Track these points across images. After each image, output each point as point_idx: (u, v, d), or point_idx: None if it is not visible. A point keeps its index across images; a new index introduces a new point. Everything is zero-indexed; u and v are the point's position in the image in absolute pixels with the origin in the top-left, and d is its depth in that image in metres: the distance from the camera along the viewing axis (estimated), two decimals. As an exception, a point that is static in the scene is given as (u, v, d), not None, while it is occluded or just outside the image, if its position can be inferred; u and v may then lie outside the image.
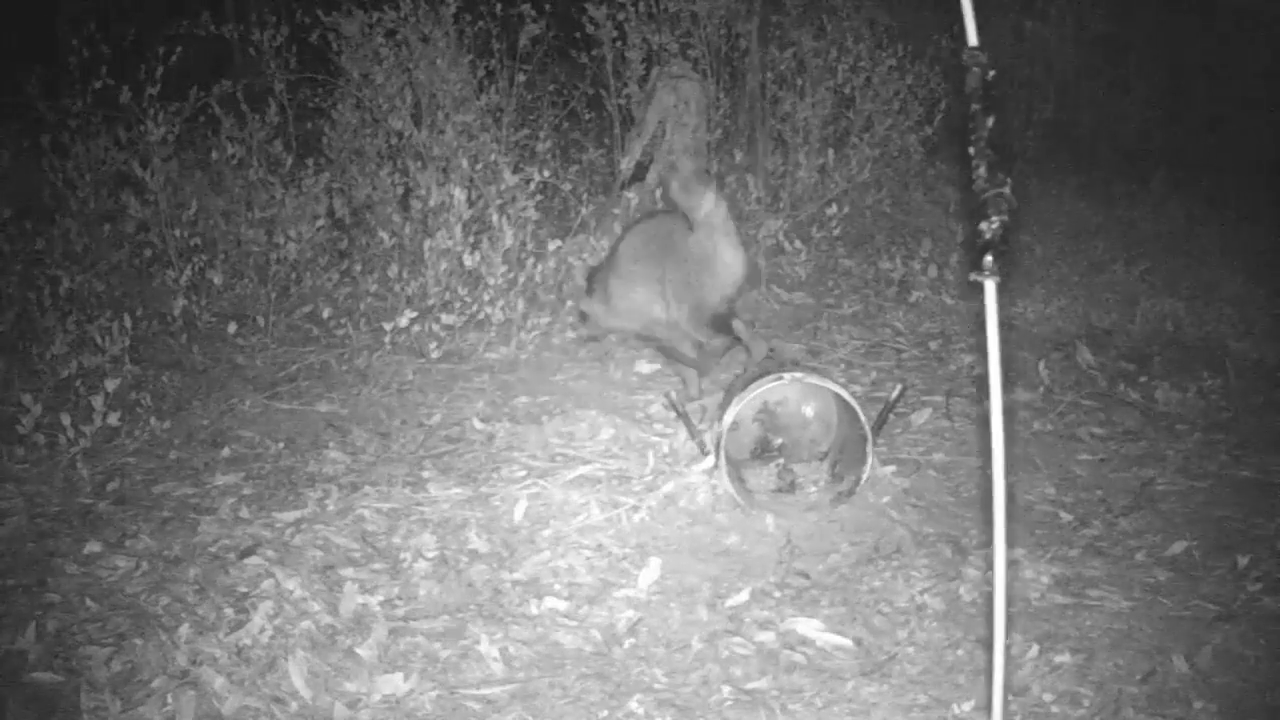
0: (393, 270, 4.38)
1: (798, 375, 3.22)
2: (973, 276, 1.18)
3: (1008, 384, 4.01)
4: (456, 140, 4.53)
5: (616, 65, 5.59)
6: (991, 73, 1.18)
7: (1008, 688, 2.43)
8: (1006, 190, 1.12)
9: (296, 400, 3.82)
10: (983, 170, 1.13)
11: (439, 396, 3.88)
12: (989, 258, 1.14)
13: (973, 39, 1.18)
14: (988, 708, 2.34)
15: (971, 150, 1.13)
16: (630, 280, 3.79)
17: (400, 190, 4.66)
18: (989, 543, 2.96)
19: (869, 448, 3.09)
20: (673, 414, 3.44)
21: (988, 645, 2.56)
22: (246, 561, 2.80)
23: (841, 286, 5.12)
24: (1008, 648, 2.56)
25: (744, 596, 2.76)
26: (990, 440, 1.21)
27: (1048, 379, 4.00)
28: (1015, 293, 4.98)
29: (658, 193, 5.33)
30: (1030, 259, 5.55)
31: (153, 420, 3.57)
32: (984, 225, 1.14)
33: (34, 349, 3.86)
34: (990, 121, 1.12)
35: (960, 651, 2.55)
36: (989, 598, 2.76)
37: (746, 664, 2.52)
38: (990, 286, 1.13)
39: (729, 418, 3.16)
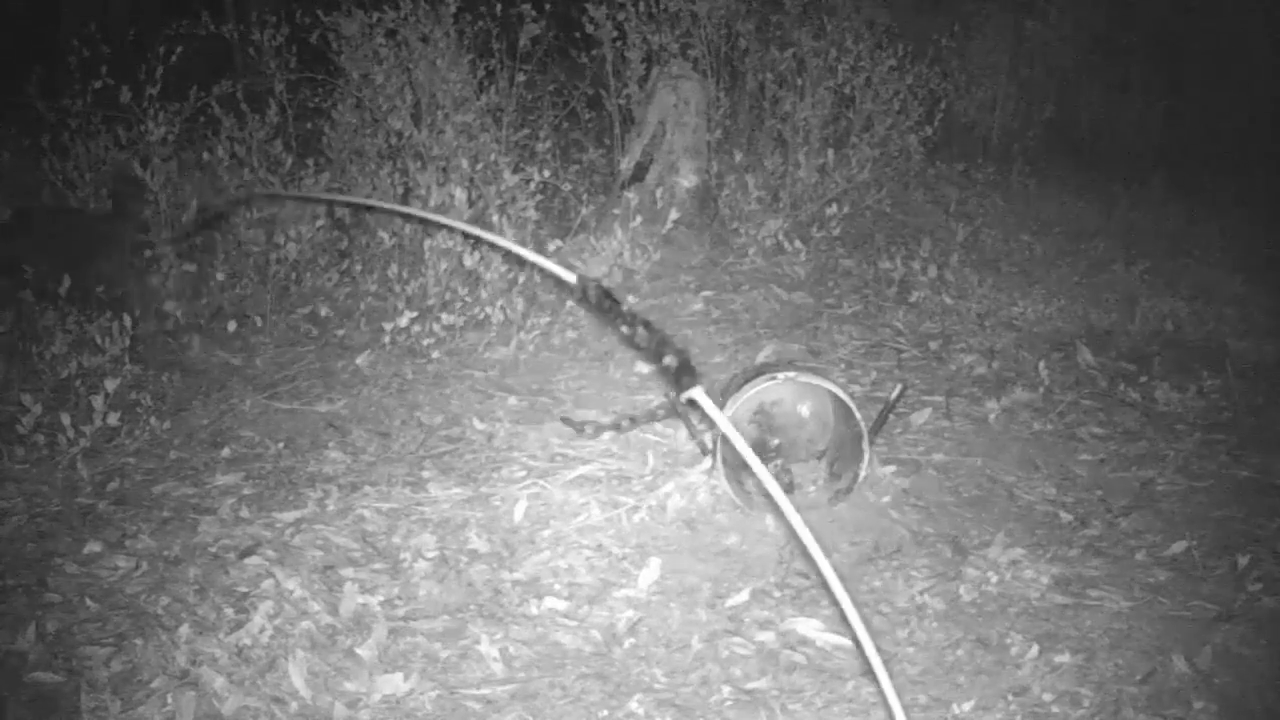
0: (392, 270, 4.38)
1: (791, 374, 3.21)
2: (683, 398, 1.36)
3: (1007, 384, 4.01)
4: (456, 140, 4.53)
5: (616, 65, 5.59)
6: (603, 284, 1.43)
7: (998, 689, 2.43)
8: (662, 334, 1.34)
9: (296, 400, 3.82)
10: (641, 332, 1.36)
11: (439, 396, 3.88)
12: (684, 377, 1.34)
13: (572, 279, 1.43)
14: (1000, 705, 2.35)
15: (625, 328, 1.37)
16: None
17: (400, 190, 4.66)
18: (989, 542, 2.97)
19: (865, 445, 3.09)
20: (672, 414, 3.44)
21: (999, 643, 2.57)
22: (246, 561, 2.81)
23: (841, 286, 5.11)
24: (1008, 647, 2.57)
25: (744, 596, 2.76)
26: (792, 532, 1.33)
27: (1048, 379, 4.00)
28: (1015, 293, 4.99)
29: (658, 192, 5.33)
30: (1030, 259, 5.55)
31: (153, 420, 3.57)
32: (666, 360, 1.33)
33: (34, 349, 3.86)
34: (624, 306, 1.38)
35: (960, 651, 2.55)
36: (989, 597, 2.77)
37: (746, 664, 2.52)
38: (699, 393, 1.33)
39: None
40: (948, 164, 6.85)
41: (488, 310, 4.25)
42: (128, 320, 3.83)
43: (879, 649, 2.58)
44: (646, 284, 4.89)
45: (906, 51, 5.89)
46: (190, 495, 3.19)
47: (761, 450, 3.47)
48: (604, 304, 1.38)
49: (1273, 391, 4.05)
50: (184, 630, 2.50)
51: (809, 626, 2.64)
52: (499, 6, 5.01)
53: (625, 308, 1.37)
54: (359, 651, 2.48)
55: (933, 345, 4.43)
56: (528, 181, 4.51)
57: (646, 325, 1.34)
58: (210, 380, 3.97)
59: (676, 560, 2.92)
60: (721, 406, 3.22)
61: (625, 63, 5.57)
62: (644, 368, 4.13)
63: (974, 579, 2.83)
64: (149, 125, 4.44)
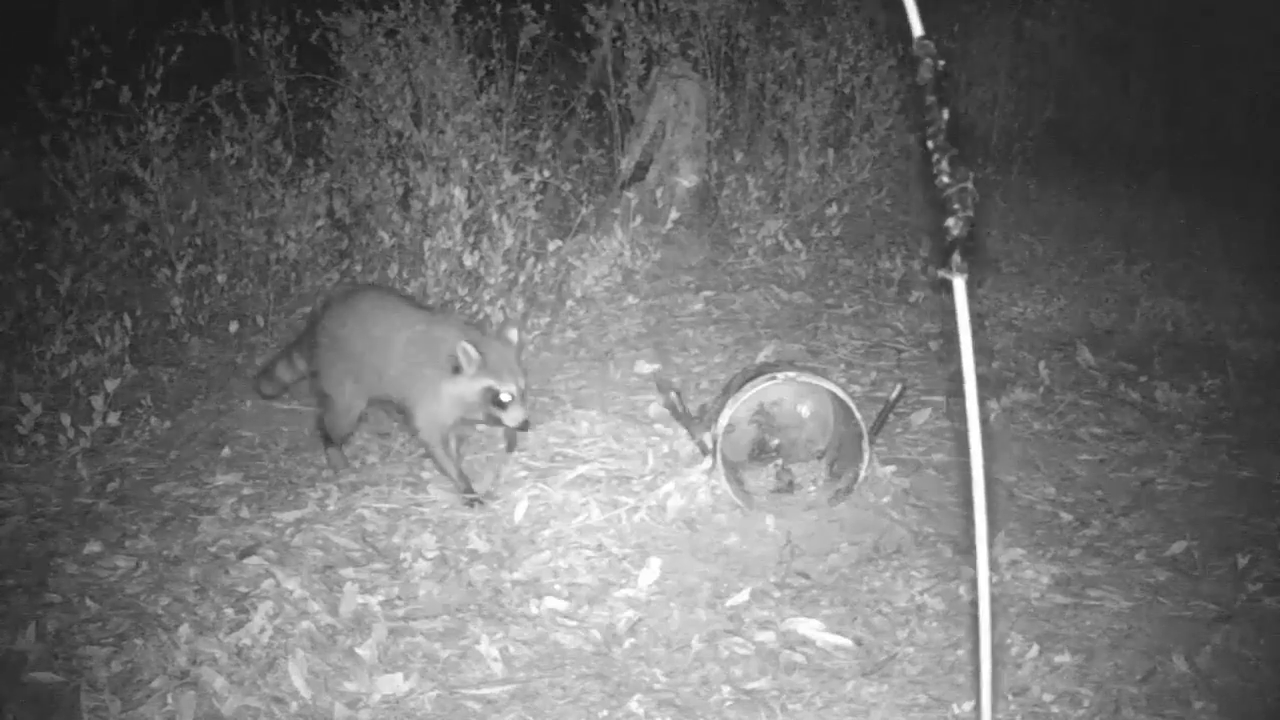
0: (393, 270, 4.38)
1: (791, 375, 3.21)
2: (941, 274, 1.16)
3: (1007, 384, 4.01)
4: (456, 140, 4.53)
5: (616, 65, 5.59)
6: (942, 63, 1.16)
7: (999, 689, 2.43)
8: (969, 185, 1.11)
9: (296, 400, 3.82)
10: (945, 165, 1.12)
11: (439, 396, 3.87)
12: (957, 255, 1.13)
13: (918, 29, 1.15)
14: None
15: (930, 145, 1.12)
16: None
17: (400, 190, 4.66)
18: (990, 542, 2.96)
19: (865, 445, 3.09)
20: (672, 414, 3.44)
21: (1000, 644, 2.57)
22: (246, 561, 2.80)
23: (841, 286, 5.12)
24: (1008, 647, 2.57)
25: (744, 596, 2.76)
26: (969, 439, 1.17)
27: (1048, 379, 4.00)
28: (1015, 293, 4.98)
29: (658, 192, 5.33)
30: (1030, 259, 5.55)
31: (153, 420, 3.57)
32: (950, 222, 1.12)
33: (34, 349, 3.86)
34: (946, 114, 1.11)
35: (960, 651, 2.55)
36: (990, 597, 2.76)
37: (746, 664, 2.52)
38: (960, 283, 1.11)
39: (724, 420, 3.16)
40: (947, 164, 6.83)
41: (488, 310, 4.25)
42: (128, 320, 3.84)
43: (879, 649, 2.59)
44: (646, 284, 4.89)
45: (906, 51, 5.88)
46: (190, 495, 3.19)
47: (761, 450, 3.47)
48: (932, 96, 1.16)
49: (1273, 391, 4.05)
50: (184, 630, 2.50)
51: (809, 626, 2.64)
52: (499, 6, 5.01)
53: (944, 124, 1.14)
54: (359, 651, 2.48)
55: (933, 345, 4.43)
56: (528, 181, 4.51)
57: (955, 163, 1.14)
58: (210, 380, 3.97)
59: (676, 560, 2.92)
60: (722, 407, 3.22)
61: (625, 63, 5.57)
62: (644, 368, 4.13)
63: (974, 579, 2.82)
64: (149, 125, 4.44)
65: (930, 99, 1.12)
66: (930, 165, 1.15)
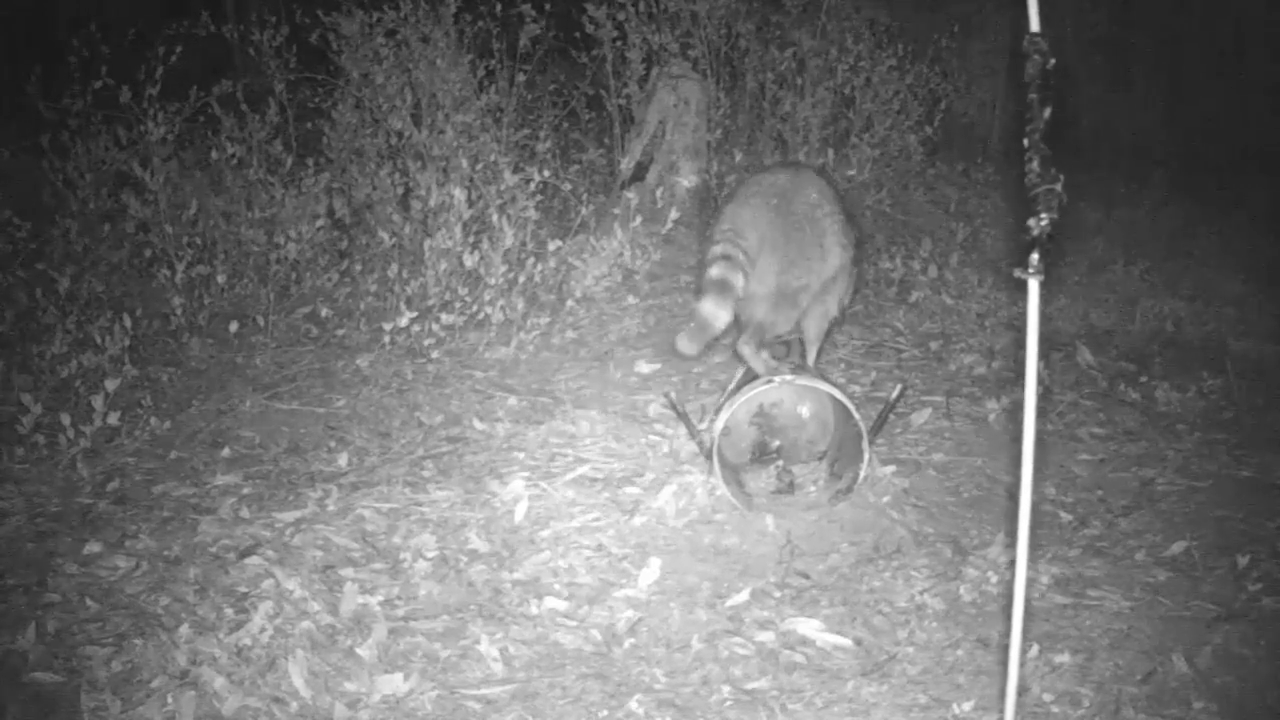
0: (393, 270, 4.38)
1: (788, 378, 3.21)
2: (1017, 273, 1.14)
3: (1007, 384, 4.01)
4: (456, 140, 4.53)
5: (616, 65, 5.59)
6: (1052, 61, 1.14)
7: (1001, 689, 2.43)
8: (1058, 186, 1.10)
9: (296, 400, 3.83)
10: (1035, 164, 1.10)
11: (439, 396, 3.88)
12: (1035, 255, 1.11)
13: (1034, 24, 1.13)
14: (1000, 705, 2.35)
15: (1025, 142, 1.09)
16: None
17: (400, 190, 4.66)
18: (989, 542, 2.96)
19: (865, 445, 3.09)
20: (673, 414, 3.44)
21: (1000, 644, 2.57)
22: (246, 561, 2.81)
23: (841, 286, 5.11)
24: (1007, 647, 2.56)
25: (744, 596, 2.76)
26: (1022, 440, 1.16)
27: (1048, 379, 4.00)
28: (1015, 293, 4.98)
29: (658, 192, 5.33)
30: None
31: (153, 420, 3.57)
32: (1032, 221, 1.10)
33: (34, 349, 3.86)
34: (1047, 113, 1.09)
35: (960, 651, 2.55)
36: (989, 597, 2.76)
37: (746, 664, 2.52)
38: (1034, 285, 1.10)
39: (720, 422, 3.17)
40: (948, 164, 6.84)
41: (488, 310, 4.25)
42: (128, 320, 3.83)
43: (879, 649, 2.59)
44: (646, 284, 4.89)
45: (906, 51, 5.89)
46: (190, 495, 3.19)
47: (762, 452, 3.47)
48: (1035, 94, 1.12)
49: (1273, 391, 4.05)
50: (184, 630, 2.50)
51: (809, 626, 2.64)
52: (499, 6, 5.01)
53: (1043, 123, 1.11)
54: (359, 651, 2.48)
55: (933, 345, 4.43)
56: (528, 181, 4.51)
57: (1046, 163, 1.11)
58: (210, 380, 3.97)
59: (676, 560, 2.92)
60: (720, 408, 3.22)
61: (625, 63, 5.57)
62: (644, 368, 4.13)
63: (974, 579, 2.82)
64: (149, 125, 4.44)
65: (1032, 96, 1.10)
66: (1022, 162, 1.12)
